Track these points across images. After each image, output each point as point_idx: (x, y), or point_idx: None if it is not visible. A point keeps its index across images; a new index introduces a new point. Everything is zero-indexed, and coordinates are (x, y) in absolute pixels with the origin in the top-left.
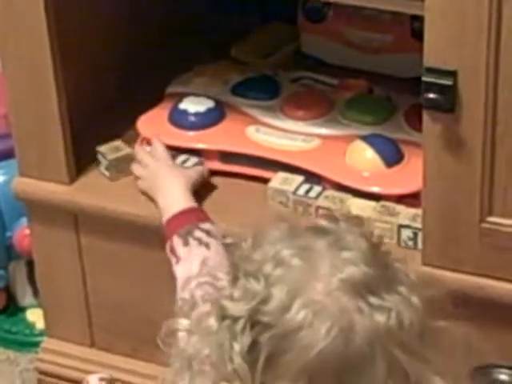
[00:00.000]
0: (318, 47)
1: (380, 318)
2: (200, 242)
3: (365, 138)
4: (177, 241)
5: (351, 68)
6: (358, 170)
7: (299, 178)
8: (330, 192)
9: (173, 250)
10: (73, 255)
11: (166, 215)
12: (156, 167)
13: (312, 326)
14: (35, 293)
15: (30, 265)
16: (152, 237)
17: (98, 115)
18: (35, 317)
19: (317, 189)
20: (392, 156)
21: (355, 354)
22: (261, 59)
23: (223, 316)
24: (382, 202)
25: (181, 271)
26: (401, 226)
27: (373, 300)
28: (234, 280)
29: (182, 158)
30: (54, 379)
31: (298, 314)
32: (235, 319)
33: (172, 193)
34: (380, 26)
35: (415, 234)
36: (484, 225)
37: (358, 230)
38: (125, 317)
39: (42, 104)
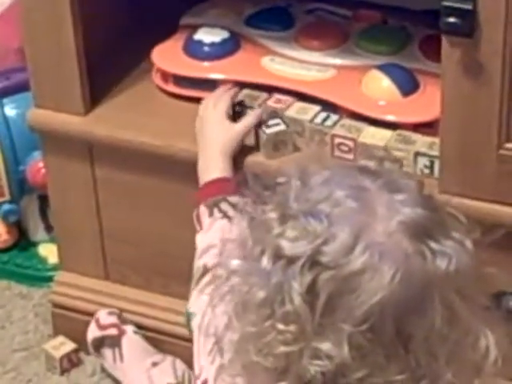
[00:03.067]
0: None
1: (441, 263)
2: (225, 215)
3: (380, 68)
4: (203, 210)
5: (365, 0)
6: (373, 99)
7: (316, 108)
8: (347, 121)
9: (198, 218)
10: (87, 187)
11: (201, 180)
12: (207, 117)
13: (377, 270)
14: (47, 227)
15: (43, 199)
16: (168, 168)
17: (113, 46)
18: (47, 251)
19: (333, 118)
20: (407, 85)
21: (416, 298)
22: None
23: (279, 256)
24: (399, 131)
25: (200, 240)
26: (417, 154)
27: (433, 245)
28: (284, 219)
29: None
30: (68, 312)
31: (361, 256)
32: (293, 259)
33: (210, 157)
34: None
35: (432, 162)
36: (502, 151)
37: (404, 172)
38: (139, 249)
39: (57, 35)
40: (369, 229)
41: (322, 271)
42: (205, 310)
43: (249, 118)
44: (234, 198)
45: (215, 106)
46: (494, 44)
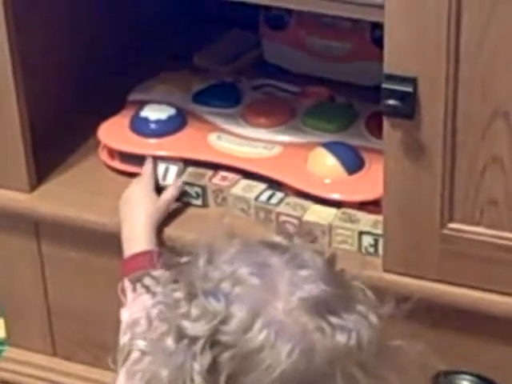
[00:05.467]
0: (280, 55)
1: (341, 338)
2: (148, 290)
3: (326, 146)
4: (127, 285)
5: (313, 76)
6: (319, 177)
7: (261, 185)
8: (292, 199)
9: (123, 292)
10: (34, 264)
11: (126, 251)
12: (132, 191)
13: (274, 347)
14: None
15: None
16: (113, 244)
17: (59, 123)
18: None
19: (279, 195)
20: (353, 163)
21: (316, 373)
22: (222, 66)
23: (181, 336)
24: (343, 209)
25: (124, 316)
26: (361, 233)
27: (333, 320)
28: (190, 298)
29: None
30: None
31: (259, 334)
32: (194, 339)
33: (135, 228)
34: (341, 34)
35: (376, 241)
36: (445, 231)
37: (312, 247)
38: (86, 326)
39: (2, 111)
40: (269, 306)
41: (222, 351)
42: None
43: (171, 190)
44: (157, 272)
45: (138, 181)
46: (434, 125)
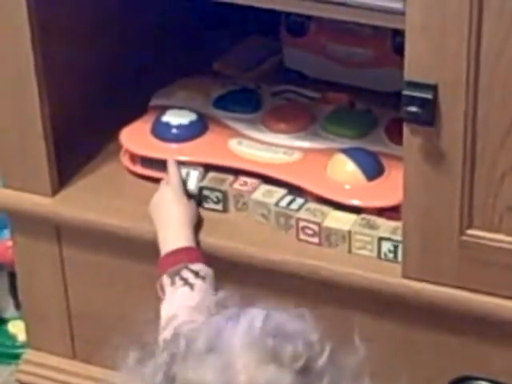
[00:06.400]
0: (300, 61)
1: None
2: (185, 282)
3: (346, 152)
4: (165, 280)
5: (332, 82)
6: (339, 183)
7: (281, 191)
8: (312, 204)
9: (162, 288)
10: (55, 267)
11: (162, 251)
12: (162, 194)
13: None
14: (17, 305)
15: (12, 277)
16: (134, 248)
17: (81, 128)
18: (17, 329)
19: (299, 201)
20: (372, 169)
21: None
22: (243, 72)
23: None
24: (363, 215)
25: (163, 311)
26: (381, 239)
27: None
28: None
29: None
30: None
31: None
32: None
33: (170, 228)
34: (361, 41)
35: (395, 247)
36: (463, 237)
37: None
38: (106, 329)
39: (25, 117)
40: None
41: None
42: None
43: None
44: (195, 266)
45: (167, 183)
46: (454, 132)
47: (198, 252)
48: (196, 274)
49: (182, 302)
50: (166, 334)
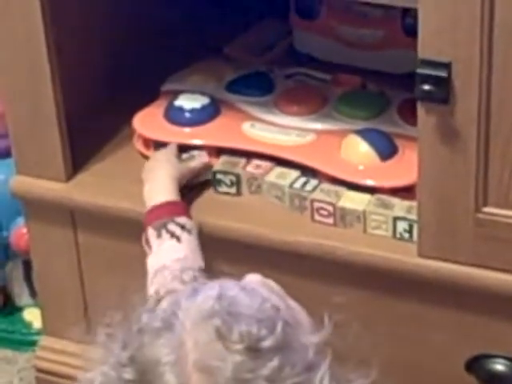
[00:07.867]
0: (311, 44)
1: None
2: (172, 235)
3: (359, 132)
4: (151, 232)
5: (344, 64)
6: (352, 164)
7: (295, 173)
8: (326, 185)
9: (147, 241)
10: (70, 253)
11: (147, 205)
12: (154, 158)
13: None
14: (32, 292)
15: (27, 264)
16: None
17: (94, 113)
18: (32, 316)
19: (313, 182)
20: (386, 149)
21: None
22: (254, 56)
23: None
24: (377, 195)
25: (150, 263)
26: (396, 218)
27: None
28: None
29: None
30: (51, 377)
31: None
32: None
33: (155, 183)
34: (372, 23)
35: (411, 226)
36: (479, 215)
37: None
38: (122, 314)
39: (38, 102)
40: None
41: None
42: None
43: (196, 161)
44: (181, 219)
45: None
46: (468, 110)
47: (183, 205)
48: (182, 226)
49: (170, 254)
50: (155, 286)
